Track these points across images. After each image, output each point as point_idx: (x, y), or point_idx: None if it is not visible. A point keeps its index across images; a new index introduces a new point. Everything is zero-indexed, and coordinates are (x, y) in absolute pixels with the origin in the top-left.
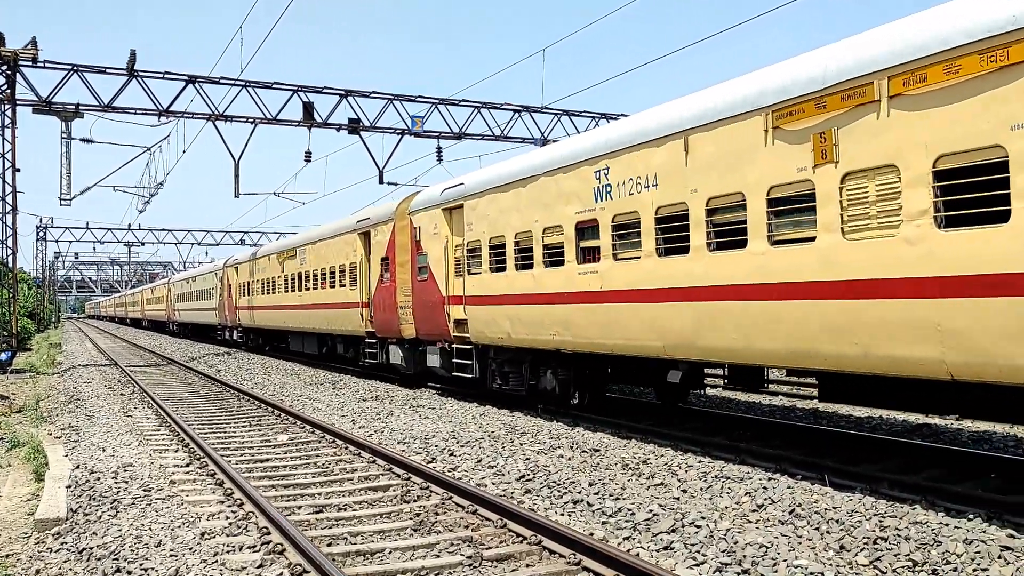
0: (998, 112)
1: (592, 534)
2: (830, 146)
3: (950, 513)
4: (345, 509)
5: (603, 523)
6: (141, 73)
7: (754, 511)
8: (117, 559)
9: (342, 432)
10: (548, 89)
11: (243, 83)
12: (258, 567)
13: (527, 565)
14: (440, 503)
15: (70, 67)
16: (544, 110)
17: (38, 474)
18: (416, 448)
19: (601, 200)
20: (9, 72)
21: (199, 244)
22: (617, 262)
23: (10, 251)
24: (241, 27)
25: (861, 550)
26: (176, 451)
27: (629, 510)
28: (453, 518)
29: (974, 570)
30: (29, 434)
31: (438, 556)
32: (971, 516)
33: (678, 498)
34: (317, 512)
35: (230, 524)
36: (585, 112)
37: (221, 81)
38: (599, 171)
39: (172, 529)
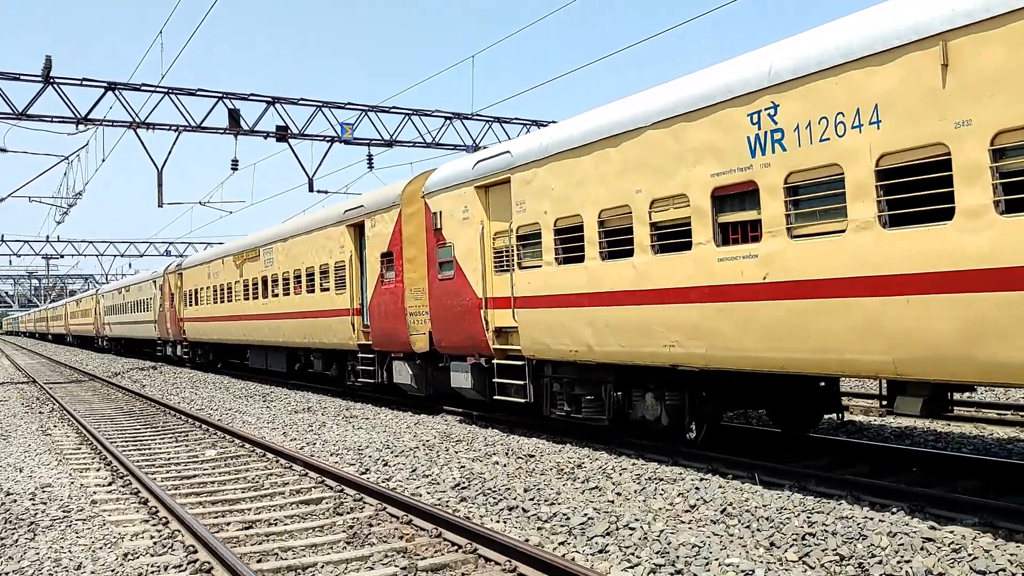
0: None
1: (528, 540)
2: None
3: (875, 507)
4: (276, 524)
5: (538, 528)
6: (57, 80)
7: (687, 511)
8: None
9: (273, 445)
10: (479, 96)
11: (165, 90)
12: None
13: (463, 574)
14: (374, 514)
15: None
16: (475, 117)
17: None
18: (349, 459)
19: (762, 153)
20: None
21: (122, 256)
22: (796, 240)
23: None
24: (161, 32)
25: (790, 546)
26: (98, 469)
27: (564, 515)
28: (387, 529)
29: (898, 562)
30: None
31: (372, 568)
32: (894, 510)
33: (612, 501)
34: (247, 528)
35: (155, 543)
36: (516, 119)
37: (142, 88)
38: (759, 112)
39: (93, 551)
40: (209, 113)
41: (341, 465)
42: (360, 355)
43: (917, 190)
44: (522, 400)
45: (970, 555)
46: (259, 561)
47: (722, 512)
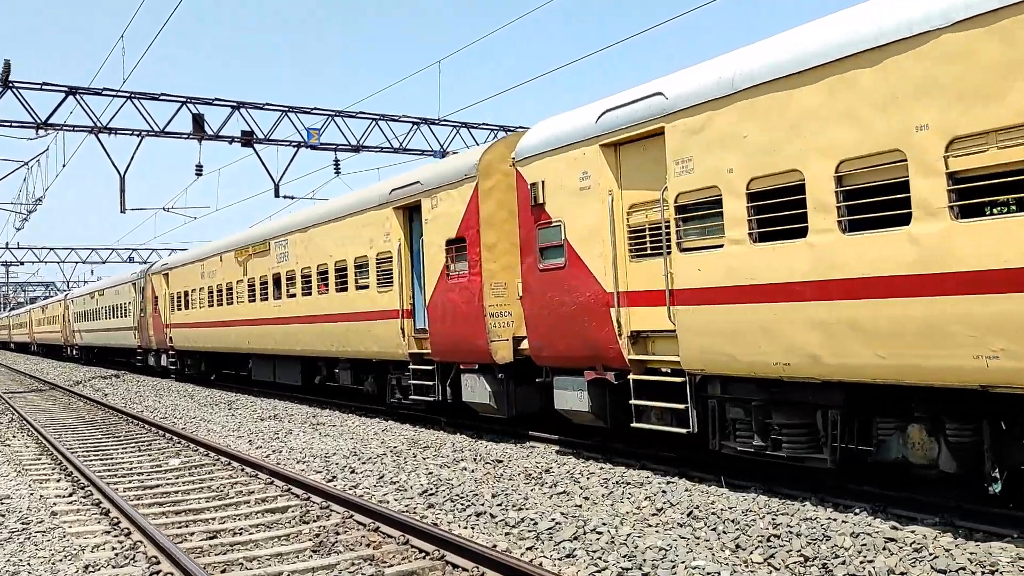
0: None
1: (495, 546)
2: None
3: (838, 508)
4: (241, 533)
5: (506, 534)
6: (17, 84)
7: (654, 515)
8: None
9: (238, 453)
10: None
11: (128, 94)
12: None
13: None
14: (341, 522)
15: None
16: (442, 122)
17: None
18: (316, 467)
19: None
20: None
21: (84, 262)
22: None
23: None
24: (123, 36)
25: (756, 548)
26: (58, 480)
27: (532, 520)
28: (354, 537)
29: (861, 562)
30: None
31: None
32: (857, 510)
33: (580, 505)
34: (211, 538)
35: (116, 555)
36: (484, 124)
37: (104, 92)
38: None
39: (53, 563)
40: (173, 118)
41: (307, 473)
42: (412, 367)
43: None
44: (679, 430)
45: (931, 554)
46: (223, 572)
47: (688, 515)
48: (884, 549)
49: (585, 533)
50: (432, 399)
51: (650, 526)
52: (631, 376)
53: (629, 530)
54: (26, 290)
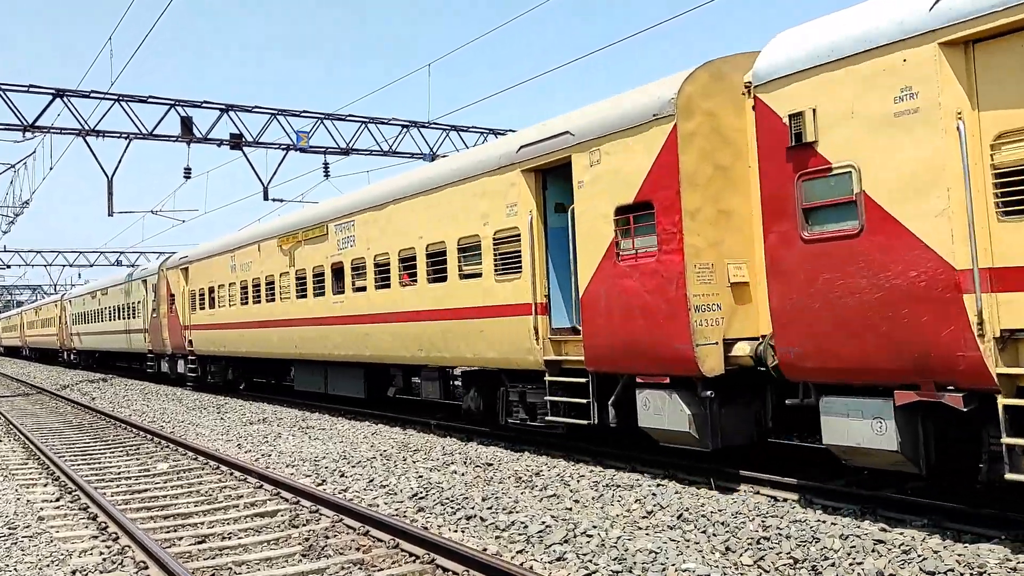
0: None
1: (486, 549)
2: None
3: (827, 510)
4: (230, 538)
5: (496, 537)
6: (3, 86)
7: (644, 518)
8: None
9: (227, 457)
10: (435, 104)
11: (115, 97)
12: None
13: None
14: (330, 526)
15: None
16: (432, 125)
17: None
18: (305, 471)
19: None
20: None
21: (71, 266)
22: None
23: None
24: (111, 39)
25: (746, 550)
26: (45, 485)
27: (522, 523)
28: (344, 541)
29: (851, 564)
30: None
31: None
32: (846, 512)
33: (570, 508)
34: (199, 543)
35: (104, 560)
36: (473, 127)
37: (91, 95)
38: None
39: (40, 569)
40: (161, 120)
41: (297, 477)
42: (549, 378)
43: None
44: None
45: (920, 556)
46: None
47: (678, 517)
48: (873, 551)
49: (575, 536)
50: (585, 422)
51: (640, 529)
52: (1002, 400)
53: (619, 533)
54: (13, 293)
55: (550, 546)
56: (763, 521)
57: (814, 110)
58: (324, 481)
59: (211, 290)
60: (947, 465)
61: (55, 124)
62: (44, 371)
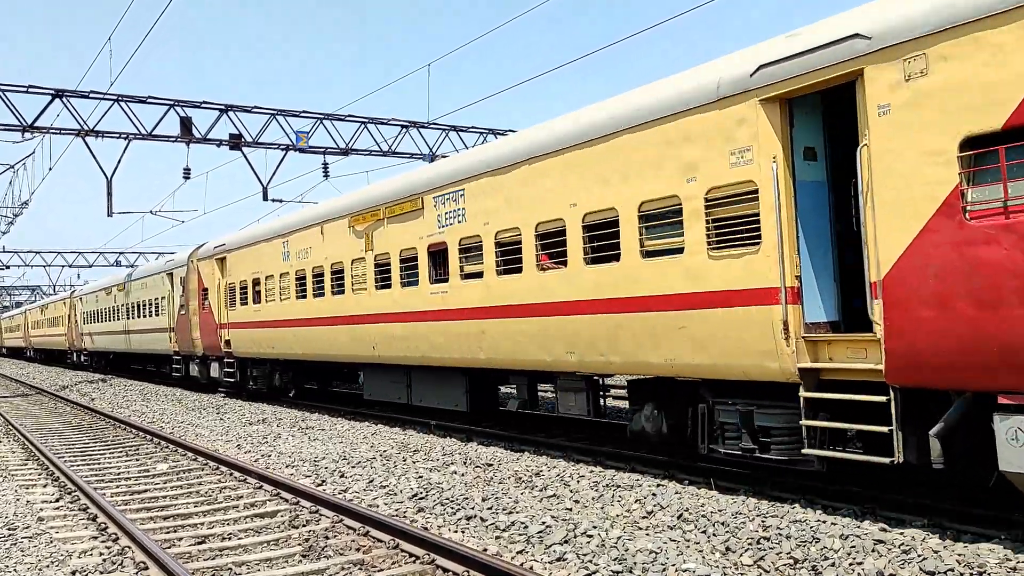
0: None
1: (486, 549)
2: None
3: (827, 510)
4: (230, 538)
5: (497, 537)
6: (2, 87)
7: (644, 518)
8: None
9: (226, 458)
10: (435, 104)
11: (115, 97)
12: None
13: None
14: (330, 526)
15: None
16: (431, 125)
17: None
18: (305, 471)
19: None
20: None
21: (70, 266)
22: None
23: None
24: (110, 39)
25: (746, 550)
26: (45, 485)
27: (522, 523)
28: (344, 541)
29: (851, 564)
30: None
31: None
32: (846, 513)
33: (570, 509)
34: (199, 543)
35: (104, 561)
36: (473, 128)
37: (91, 95)
38: None
39: (40, 570)
40: (160, 121)
41: (296, 477)
42: (808, 395)
43: None
44: None
45: (920, 556)
46: None
47: (679, 518)
48: (873, 551)
49: (576, 536)
50: (884, 460)
51: (640, 529)
52: None
53: (619, 533)
54: (12, 294)
55: (550, 546)
56: (763, 521)
57: None
58: (324, 481)
59: (255, 282)
60: None
61: (54, 124)
62: (44, 372)
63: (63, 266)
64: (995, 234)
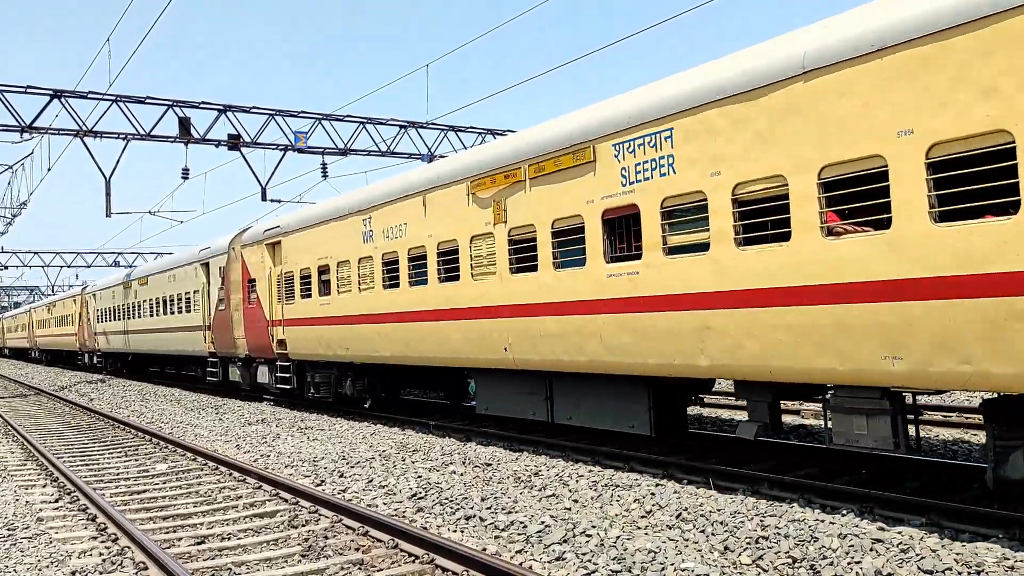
0: None
1: (485, 549)
2: None
3: (825, 509)
4: (229, 538)
5: (496, 537)
6: (1, 87)
7: (643, 517)
8: None
9: (225, 458)
10: (433, 105)
11: (113, 97)
12: None
13: None
14: (329, 526)
15: None
16: (430, 126)
17: None
18: (304, 471)
19: None
20: None
21: (68, 267)
22: None
23: None
24: (109, 39)
25: (744, 550)
26: (44, 486)
27: (521, 523)
28: (343, 541)
29: (849, 563)
30: None
31: None
32: (845, 511)
33: (569, 508)
34: (199, 543)
35: (103, 561)
36: (472, 128)
37: (89, 95)
38: None
39: (39, 570)
40: (159, 121)
41: (296, 477)
42: None
43: None
44: None
45: (918, 555)
46: None
47: (677, 517)
48: (871, 550)
49: (575, 536)
50: None
51: (639, 528)
52: None
53: (618, 532)
54: (10, 294)
55: (549, 546)
56: (762, 520)
57: None
58: (323, 481)
59: (322, 270)
60: None
61: (53, 125)
62: (43, 372)
63: (61, 266)
64: None
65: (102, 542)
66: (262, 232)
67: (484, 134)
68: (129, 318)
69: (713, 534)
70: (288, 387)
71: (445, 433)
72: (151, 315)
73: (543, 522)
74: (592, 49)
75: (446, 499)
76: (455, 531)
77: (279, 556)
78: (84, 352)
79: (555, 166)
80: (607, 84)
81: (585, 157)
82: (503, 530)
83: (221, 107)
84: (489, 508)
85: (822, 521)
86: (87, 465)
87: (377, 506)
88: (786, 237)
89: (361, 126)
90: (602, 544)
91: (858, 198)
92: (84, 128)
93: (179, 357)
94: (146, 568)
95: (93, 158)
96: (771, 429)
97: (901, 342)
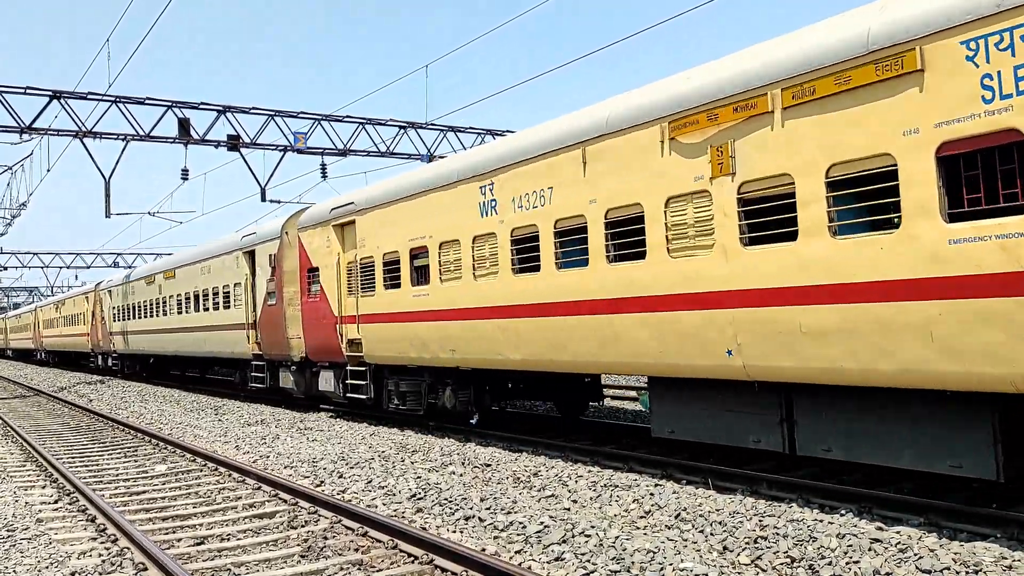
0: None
1: (484, 549)
2: None
3: (824, 509)
4: (228, 539)
5: (495, 537)
6: (0, 88)
7: (642, 517)
8: None
9: (225, 459)
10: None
11: (112, 98)
12: None
13: None
14: (329, 527)
15: None
16: (429, 126)
17: None
18: (304, 472)
19: None
20: None
21: (68, 267)
22: None
23: None
24: (108, 40)
25: (743, 549)
26: (44, 487)
27: (521, 523)
28: (343, 542)
29: (847, 563)
30: None
31: None
32: (843, 511)
33: (568, 508)
34: (198, 544)
35: (103, 562)
36: (471, 128)
37: (88, 96)
38: None
39: (39, 571)
40: (158, 122)
41: (295, 478)
42: None
43: None
44: None
45: (916, 555)
46: None
47: (676, 517)
48: (870, 550)
49: (574, 536)
50: None
51: (638, 528)
52: None
53: (617, 533)
54: (10, 295)
55: (548, 546)
56: (760, 520)
57: None
58: (323, 482)
59: (416, 253)
60: None
61: (52, 126)
62: (43, 372)
63: (61, 267)
64: None
65: (101, 543)
66: (328, 211)
67: (484, 134)
68: (153, 316)
69: (712, 534)
70: (362, 396)
71: (444, 434)
72: (179, 312)
73: (542, 522)
74: (592, 49)
75: (445, 499)
76: (454, 531)
77: (278, 556)
78: (97, 353)
79: (838, 85)
80: (607, 84)
81: (905, 66)
82: (502, 530)
83: (220, 108)
84: (488, 508)
85: (820, 521)
86: (86, 466)
87: (376, 507)
88: None
89: (360, 126)
90: (601, 544)
91: None
92: (83, 129)
93: (214, 360)
94: (146, 569)
95: (93, 159)
96: None
97: None
